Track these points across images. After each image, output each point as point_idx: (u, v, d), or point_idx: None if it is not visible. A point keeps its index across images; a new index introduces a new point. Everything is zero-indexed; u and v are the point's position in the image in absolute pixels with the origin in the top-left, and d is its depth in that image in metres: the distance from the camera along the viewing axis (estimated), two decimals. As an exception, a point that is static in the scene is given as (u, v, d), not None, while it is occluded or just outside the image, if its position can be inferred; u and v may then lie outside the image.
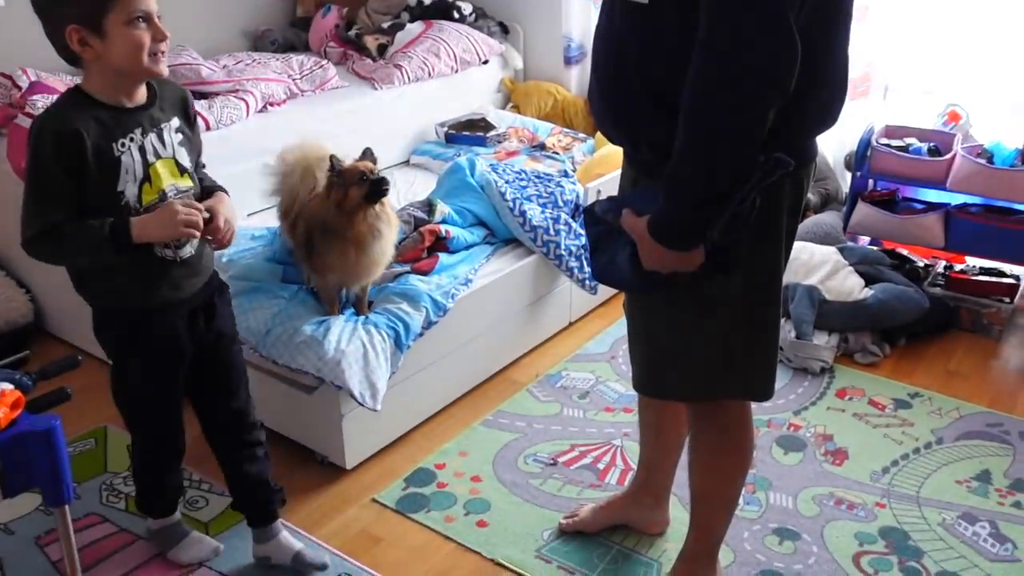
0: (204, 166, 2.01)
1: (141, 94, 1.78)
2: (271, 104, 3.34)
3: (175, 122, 1.83)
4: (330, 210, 2.32)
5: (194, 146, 1.90)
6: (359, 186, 2.28)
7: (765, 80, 1.34)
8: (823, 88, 1.54)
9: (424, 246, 2.79)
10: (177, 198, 1.81)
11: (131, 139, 1.73)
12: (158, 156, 1.78)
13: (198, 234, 1.78)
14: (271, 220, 3.12)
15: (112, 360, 1.94)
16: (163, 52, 1.71)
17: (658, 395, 1.89)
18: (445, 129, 3.84)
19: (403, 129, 3.80)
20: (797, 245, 3.25)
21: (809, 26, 1.40)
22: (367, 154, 2.41)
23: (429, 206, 2.97)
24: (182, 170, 1.84)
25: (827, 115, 1.60)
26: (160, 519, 2.18)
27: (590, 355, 3.12)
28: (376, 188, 2.30)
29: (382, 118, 3.70)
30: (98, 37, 1.64)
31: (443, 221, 2.93)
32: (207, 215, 1.80)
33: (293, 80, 3.53)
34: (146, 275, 1.82)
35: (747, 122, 1.37)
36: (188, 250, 1.86)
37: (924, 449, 2.61)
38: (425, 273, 2.72)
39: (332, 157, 2.30)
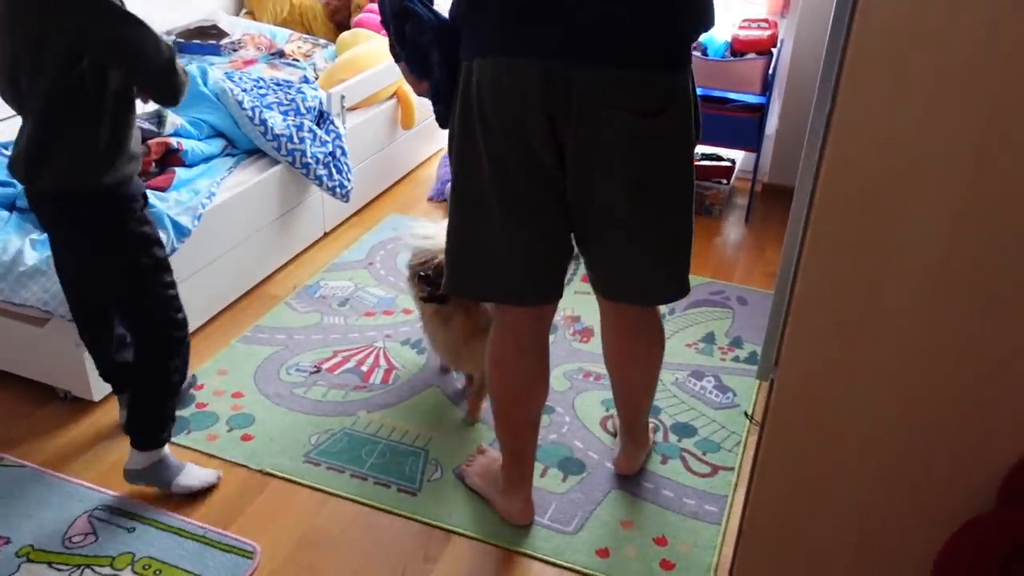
0: None
1: None
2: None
3: None
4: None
5: None
6: (416, 284, 2.27)
7: None
8: None
9: (151, 159, 2.62)
10: None
11: None
12: None
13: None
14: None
15: (124, 250, 1.90)
16: None
17: None
18: (173, 38, 3.57)
19: (124, 38, 3.50)
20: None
21: None
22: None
23: (158, 118, 2.79)
24: None
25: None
26: (160, 448, 2.05)
27: (347, 263, 3.12)
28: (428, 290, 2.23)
29: (97, 26, 3.38)
30: None
31: (175, 134, 2.76)
32: None
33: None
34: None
35: None
36: None
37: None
38: (162, 190, 2.57)
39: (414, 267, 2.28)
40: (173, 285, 2.01)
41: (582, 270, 3.13)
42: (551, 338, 2.71)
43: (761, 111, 3.49)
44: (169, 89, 1.82)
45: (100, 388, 2.34)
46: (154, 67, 1.76)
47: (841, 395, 1.13)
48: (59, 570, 1.86)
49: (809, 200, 1.08)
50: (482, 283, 1.75)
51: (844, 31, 0.99)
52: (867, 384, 1.11)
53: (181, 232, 2.49)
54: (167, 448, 2.06)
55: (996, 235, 0.97)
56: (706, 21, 1.55)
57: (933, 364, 1.06)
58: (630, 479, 2.18)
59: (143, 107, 3.16)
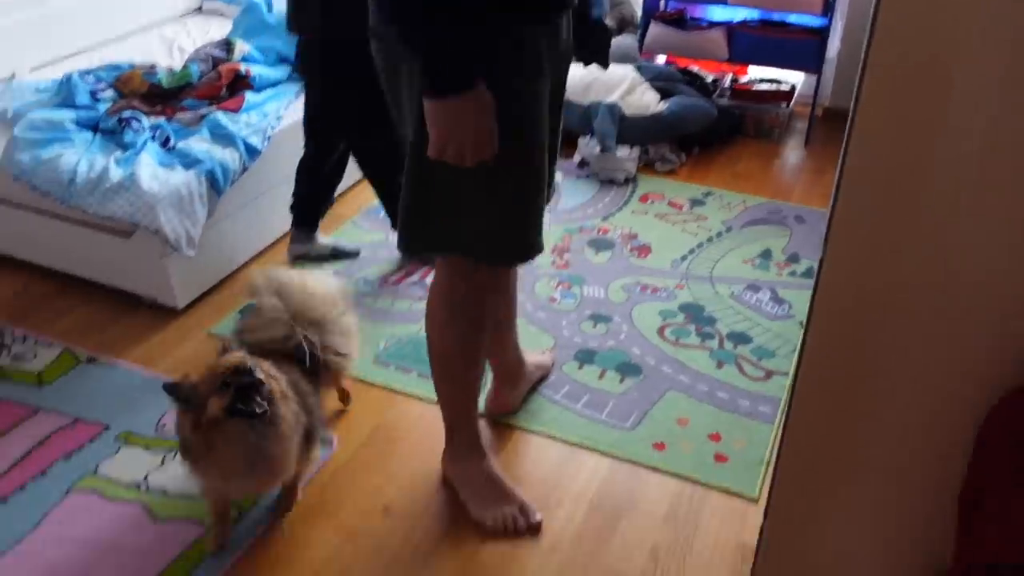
0: None
1: None
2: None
3: None
4: (186, 429, 1.63)
5: None
6: (219, 396, 1.57)
7: None
8: None
9: (222, 83, 2.74)
10: None
11: None
12: None
13: None
14: (54, 72, 2.97)
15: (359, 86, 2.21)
16: None
17: None
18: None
19: (191, -29, 3.61)
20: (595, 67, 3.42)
21: None
22: (237, 342, 1.74)
23: (227, 45, 2.89)
24: None
25: None
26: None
27: (410, 186, 3.21)
28: (245, 393, 1.57)
29: (167, -40, 3.49)
30: None
31: (244, 59, 2.87)
32: None
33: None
34: None
35: None
36: None
37: (716, 238, 2.91)
38: (234, 111, 2.68)
39: (167, 386, 1.61)
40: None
41: (639, 191, 3.19)
42: (609, 253, 2.81)
43: (822, 33, 3.45)
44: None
45: (184, 295, 2.49)
46: None
47: (885, 280, 1.20)
48: (153, 452, 2.02)
49: (855, 100, 1.12)
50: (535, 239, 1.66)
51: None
52: (908, 273, 1.18)
53: (252, 152, 2.60)
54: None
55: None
56: None
57: (971, 249, 1.12)
58: (686, 384, 2.25)
59: (212, 36, 3.29)
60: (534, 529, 1.84)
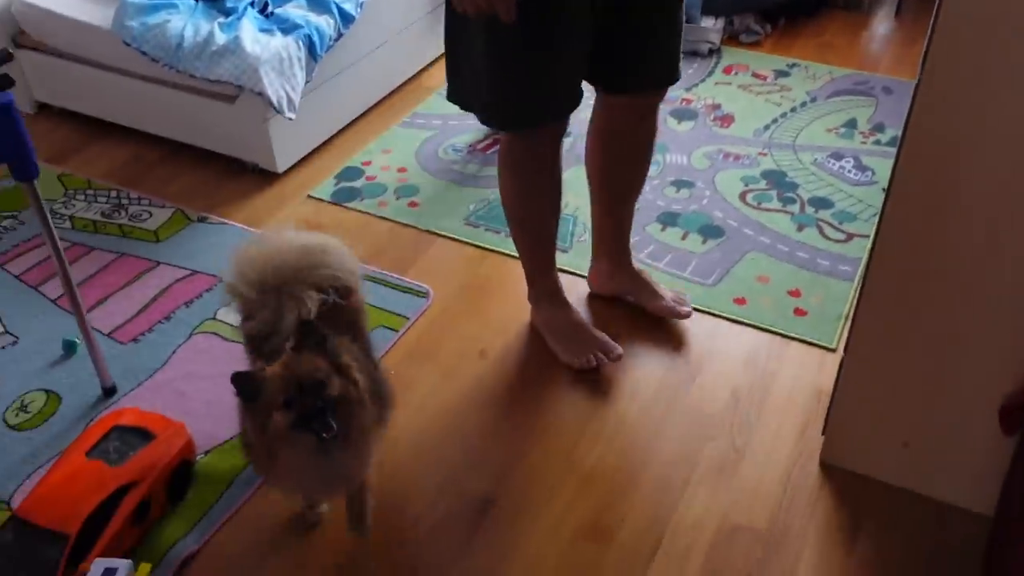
0: None
1: None
2: None
3: None
4: (248, 430, 1.42)
5: None
6: (284, 412, 1.32)
7: None
8: None
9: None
10: None
11: None
12: None
13: None
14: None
15: None
16: None
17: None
18: None
19: None
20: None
21: None
22: (307, 334, 1.36)
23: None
24: None
25: None
26: None
27: (494, 59, 3.25)
28: (313, 415, 1.32)
29: None
30: None
31: (335, -73, 2.90)
32: None
33: None
34: None
35: None
36: None
37: (800, 108, 2.91)
38: (325, -21, 2.74)
39: (236, 376, 1.32)
40: None
41: (723, 62, 3.17)
42: (692, 123, 2.83)
43: None
44: None
45: (284, 160, 2.62)
46: None
47: (969, 142, 1.25)
48: (267, 299, 2.19)
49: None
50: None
51: None
52: (991, 138, 1.23)
53: (347, 19, 2.67)
54: None
55: None
56: None
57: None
58: (767, 245, 2.31)
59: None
60: (616, 359, 1.97)
